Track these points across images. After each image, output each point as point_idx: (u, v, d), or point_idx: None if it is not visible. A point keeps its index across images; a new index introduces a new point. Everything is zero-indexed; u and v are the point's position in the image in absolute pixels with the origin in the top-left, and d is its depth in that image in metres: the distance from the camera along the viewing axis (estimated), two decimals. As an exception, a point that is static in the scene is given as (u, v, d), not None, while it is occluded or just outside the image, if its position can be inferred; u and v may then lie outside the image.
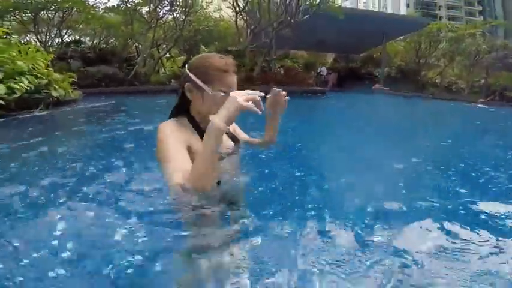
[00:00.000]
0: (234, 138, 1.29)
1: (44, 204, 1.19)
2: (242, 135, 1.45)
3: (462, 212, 1.22)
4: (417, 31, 16.51)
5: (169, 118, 1.14)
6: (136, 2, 10.47)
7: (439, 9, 49.81)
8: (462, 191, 1.50)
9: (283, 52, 12.11)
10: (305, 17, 10.57)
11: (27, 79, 3.65)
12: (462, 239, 0.96)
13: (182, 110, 1.15)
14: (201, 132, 1.10)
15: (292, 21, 10.05)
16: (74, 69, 9.05)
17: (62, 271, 0.76)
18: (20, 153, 1.88)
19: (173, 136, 1.03)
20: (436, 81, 19.37)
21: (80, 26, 11.37)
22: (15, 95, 3.40)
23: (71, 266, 0.79)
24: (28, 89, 3.59)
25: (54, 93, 3.97)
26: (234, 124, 1.41)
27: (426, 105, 10.70)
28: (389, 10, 18.98)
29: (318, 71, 18.57)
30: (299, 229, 0.99)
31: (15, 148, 2.03)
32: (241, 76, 9.70)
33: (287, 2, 9.95)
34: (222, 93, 1.05)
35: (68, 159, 1.86)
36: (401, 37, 18.23)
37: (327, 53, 22.71)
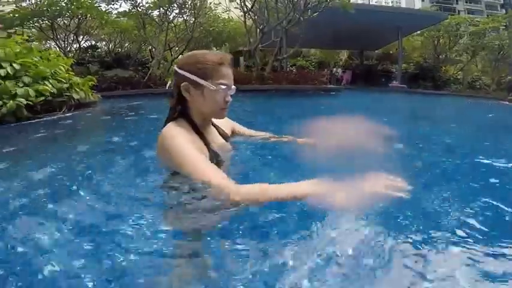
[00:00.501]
0: (225, 137, 1.25)
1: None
2: (247, 131, 1.42)
3: None
4: (434, 25, 16.02)
5: (166, 121, 1.07)
6: (146, 6, 10.67)
7: (457, 3, 48.28)
8: None
9: (294, 51, 12.01)
10: (315, 14, 10.46)
11: (50, 83, 3.77)
12: None
13: (179, 112, 1.08)
14: (201, 135, 1.06)
15: (302, 19, 9.94)
16: (93, 73, 9.33)
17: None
18: (53, 149, 2.02)
19: (186, 141, 0.96)
20: (458, 77, 18.64)
21: (96, 32, 11.69)
22: (41, 98, 3.52)
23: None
24: (52, 92, 3.71)
25: (76, 96, 4.08)
26: (232, 122, 1.38)
27: (450, 103, 10.01)
28: (404, 5, 18.46)
29: (333, 72, 18.33)
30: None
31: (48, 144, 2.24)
32: (253, 76, 9.71)
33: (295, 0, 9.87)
34: (223, 86, 1.01)
35: (94, 152, 1.98)
36: (418, 32, 17.73)
37: (341, 50, 22.41)
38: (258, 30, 10.55)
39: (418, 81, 17.18)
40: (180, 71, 1.03)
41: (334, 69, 19.38)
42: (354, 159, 1.06)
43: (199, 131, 1.06)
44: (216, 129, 1.23)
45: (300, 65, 18.88)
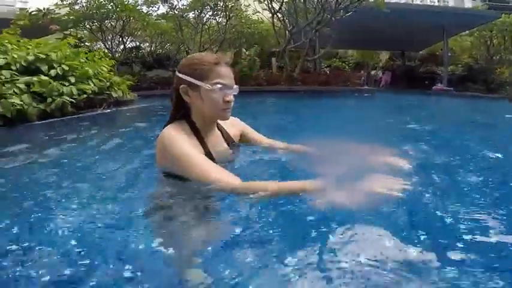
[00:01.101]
0: (230, 141, 1.21)
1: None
2: (258, 137, 1.33)
3: None
4: (484, 25, 14.69)
5: (166, 124, 1.08)
6: (182, 8, 11.13)
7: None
8: None
9: (326, 51, 11.74)
10: (347, 14, 10.15)
11: (93, 82, 4.16)
12: None
13: (180, 114, 1.09)
14: (200, 138, 1.05)
15: (333, 19, 9.70)
16: (136, 73, 10.02)
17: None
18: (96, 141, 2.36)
19: (189, 145, 0.98)
20: (516, 79, 16.84)
21: (139, 33, 12.50)
22: (84, 96, 3.91)
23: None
24: (94, 90, 4.10)
25: (114, 94, 4.45)
26: (243, 126, 1.32)
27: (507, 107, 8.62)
28: (451, 4, 17.11)
29: (371, 73, 17.60)
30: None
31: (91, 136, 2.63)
32: (282, 77, 9.71)
33: (323, 0, 9.62)
34: (219, 86, 0.99)
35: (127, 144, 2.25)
36: (467, 32, 16.37)
37: (380, 50, 21.44)
38: (287, 31, 10.50)
39: (466, 83, 15.85)
40: (178, 74, 1.04)
41: (374, 71, 18.60)
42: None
43: (199, 136, 1.06)
44: (222, 132, 1.20)
45: (335, 66, 18.42)
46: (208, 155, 1.05)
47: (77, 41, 4.91)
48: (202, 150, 1.04)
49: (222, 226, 0.87)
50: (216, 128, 1.17)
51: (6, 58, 3.54)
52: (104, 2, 9.66)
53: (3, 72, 3.39)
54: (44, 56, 3.79)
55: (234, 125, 1.27)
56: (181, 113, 1.09)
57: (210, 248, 0.74)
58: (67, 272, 0.68)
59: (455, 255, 0.70)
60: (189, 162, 0.94)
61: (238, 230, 0.79)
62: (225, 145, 1.18)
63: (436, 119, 4.77)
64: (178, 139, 0.98)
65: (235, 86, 1.06)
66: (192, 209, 0.89)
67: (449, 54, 16.31)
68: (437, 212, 0.92)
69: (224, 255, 0.73)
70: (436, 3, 18.41)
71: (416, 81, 17.11)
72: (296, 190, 0.87)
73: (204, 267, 0.67)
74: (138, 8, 10.81)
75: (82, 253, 0.74)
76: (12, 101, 3.14)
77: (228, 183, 0.90)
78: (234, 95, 1.07)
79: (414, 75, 17.90)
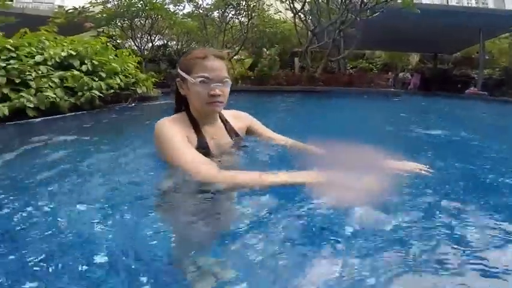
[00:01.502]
0: (233, 134, 1.21)
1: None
2: (266, 132, 1.32)
3: None
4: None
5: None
6: (207, 7, 11.32)
7: None
8: None
9: (350, 52, 11.44)
10: (375, 15, 9.84)
11: (120, 78, 4.39)
12: None
13: (180, 106, 1.15)
14: (197, 129, 1.09)
15: (358, 19, 9.44)
16: (162, 70, 10.36)
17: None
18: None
19: (175, 132, 1.01)
20: None
21: (166, 31, 12.88)
22: (111, 91, 4.15)
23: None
24: (120, 86, 4.33)
25: (139, 90, 4.67)
26: (251, 120, 1.32)
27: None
28: (491, 5, 16.05)
29: (399, 75, 16.97)
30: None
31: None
32: (303, 77, 9.63)
33: (347, 1, 9.36)
34: (201, 79, 1.02)
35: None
36: (507, 34, 15.33)
37: (410, 52, 20.63)
38: (309, 31, 10.38)
39: (503, 88, 14.87)
40: (178, 70, 1.10)
41: (402, 73, 17.92)
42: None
43: (197, 127, 1.10)
44: (225, 125, 1.22)
45: (361, 67, 17.96)
46: (205, 145, 1.09)
47: (109, 39, 5.16)
48: (196, 140, 1.07)
49: (231, 216, 0.88)
50: (218, 120, 1.20)
51: (43, 54, 3.82)
52: (134, 1, 10.04)
53: (41, 67, 3.67)
54: (75, 53, 4.05)
55: (240, 119, 1.29)
56: (181, 105, 1.15)
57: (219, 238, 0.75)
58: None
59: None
60: (168, 145, 0.97)
61: (247, 221, 0.80)
62: (228, 138, 1.19)
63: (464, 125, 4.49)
64: (166, 126, 1.02)
65: (226, 80, 1.06)
66: (197, 200, 0.90)
67: (486, 57, 15.36)
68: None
69: (232, 245, 0.74)
70: (474, 4, 17.32)
71: (449, 85, 16.28)
72: (294, 181, 0.85)
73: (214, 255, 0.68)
74: (166, 6, 11.15)
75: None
76: (47, 94, 3.39)
77: (198, 167, 0.89)
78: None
79: (446, 78, 17.05)
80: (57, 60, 3.92)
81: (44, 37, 4.19)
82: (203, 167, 0.90)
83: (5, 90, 3.21)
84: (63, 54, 3.97)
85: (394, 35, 13.63)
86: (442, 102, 9.62)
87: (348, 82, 9.74)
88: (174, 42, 13.85)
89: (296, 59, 11.42)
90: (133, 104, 4.50)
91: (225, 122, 1.22)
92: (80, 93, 3.71)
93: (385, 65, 19.78)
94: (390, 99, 9.13)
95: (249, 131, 1.31)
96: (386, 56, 20.74)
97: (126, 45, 11.45)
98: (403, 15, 10.14)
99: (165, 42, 13.67)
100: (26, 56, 3.64)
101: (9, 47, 3.55)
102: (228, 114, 1.27)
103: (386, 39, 14.56)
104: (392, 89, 11.34)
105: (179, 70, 1.09)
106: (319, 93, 8.25)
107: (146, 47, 12.32)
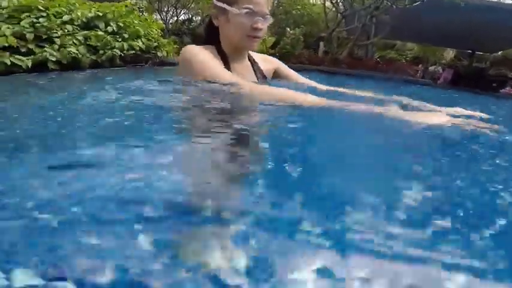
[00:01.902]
0: (260, 75, 1.19)
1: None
2: (294, 76, 1.30)
3: None
4: None
5: None
6: None
7: None
8: None
9: (379, 39, 10.89)
10: (414, 4, 9.25)
11: (142, 41, 4.46)
12: None
13: (210, 40, 1.12)
14: (226, 63, 1.07)
15: (394, 7, 8.92)
16: (185, 43, 10.39)
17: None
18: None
19: (209, 56, 1.00)
20: None
21: (192, 6, 12.82)
22: (132, 51, 4.24)
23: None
24: (142, 48, 4.41)
25: (160, 54, 4.76)
26: (278, 63, 1.29)
27: None
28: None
29: (430, 68, 16.17)
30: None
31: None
32: (326, 58, 9.34)
33: None
34: (247, 10, 1.00)
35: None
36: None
37: (445, 47, 19.53)
38: (338, 14, 9.94)
39: (543, 90, 13.88)
40: (214, 2, 1.08)
41: (433, 66, 17.06)
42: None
43: (226, 60, 1.08)
44: (253, 65, 1.21)
45: (390, 57, 17.22)
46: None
47: (131, 4, 5.21)
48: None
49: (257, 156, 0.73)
50: (246, 59, 1.18)
51: (71, 15, 3.93)
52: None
53: (67, 26, 3.77)
54: (101, 14, 4.13)
55: (268, 61, 1.28)
56: (211, 38, 1.13)
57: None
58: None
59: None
60: (203, 65, 0.97)
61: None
62: (254, 77, 1.18)
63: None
64: (197, 49, 1.02)
65: (267, 16, 1.05)
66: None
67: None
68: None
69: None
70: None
71: (483, 83, 15.41)
72: (360, 110, 0.82)
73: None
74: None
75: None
76: (70, 49, 3.49)
77: (242, 81, 0.90)
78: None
79: (481, 77, 16.11)
80: (84, 20, 4.01)
81: (73, 1, 4.29)
82: (246, 82, 0.92)
83: (31, 46, 3.35)
84: (90, 15, 4.06)
85: (430, 27, 12.83)
86: (471, 98, 9.07)
87: (375, 67, 9.36)
88: (200, 18, 13.80)
89: (321, 43, 11.09)
90: (153, 67, 4.58)
91: (252, 62, 1.22)
92: (101, 51, 3.80)
93: (416, 58, 18.89)
94: (419, 87, 8.70)
95: (277, 74, 1.31)
96: (418, 49, 19.75)
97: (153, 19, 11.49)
98: (445, 7, 9.48)
99: (190, 16, 13.66)
100: (55, 16, 3.74)
101: (40, 7, 3.66)
102: (257, 55, 1.26)
103: (421, 31, 13.75)
104: (422, 80, 10.81)
105: (217, 2, 1.06)
106: (348, 76, 7.82)
107: (171, 21, 12.38)
